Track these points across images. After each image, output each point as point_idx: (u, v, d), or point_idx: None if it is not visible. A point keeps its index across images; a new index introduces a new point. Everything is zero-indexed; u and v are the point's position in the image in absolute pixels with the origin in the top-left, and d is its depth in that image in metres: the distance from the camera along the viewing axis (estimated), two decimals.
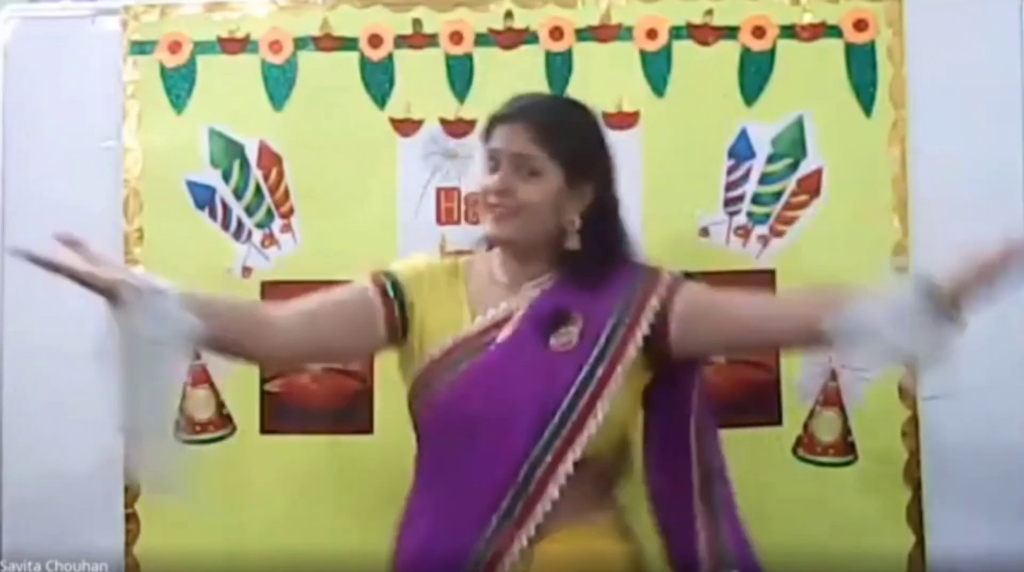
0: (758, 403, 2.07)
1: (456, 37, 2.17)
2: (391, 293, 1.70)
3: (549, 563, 1.57)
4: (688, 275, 1.72)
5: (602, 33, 2.15)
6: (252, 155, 2.17)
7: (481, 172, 1.69)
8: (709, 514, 1.65)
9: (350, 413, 2.12)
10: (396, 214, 2.15)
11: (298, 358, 1.93)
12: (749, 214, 2.12)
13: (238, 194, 2.18)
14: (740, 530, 1.68)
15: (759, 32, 2.13)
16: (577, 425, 1.58)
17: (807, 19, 2.13)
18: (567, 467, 1.57)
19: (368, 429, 2.12)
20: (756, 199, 2.12)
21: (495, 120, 1.68)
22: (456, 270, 1.74)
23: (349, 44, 2.18)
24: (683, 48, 2.14)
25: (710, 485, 1.67)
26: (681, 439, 1.68)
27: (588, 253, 1.66)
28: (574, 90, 2.11)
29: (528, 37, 2.16)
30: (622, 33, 2.15)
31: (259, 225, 2.17)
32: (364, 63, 2.18)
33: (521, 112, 1.67)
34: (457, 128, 2.15)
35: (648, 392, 1.70)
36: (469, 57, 2.16)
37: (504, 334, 1.64)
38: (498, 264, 1.71)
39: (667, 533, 1.67)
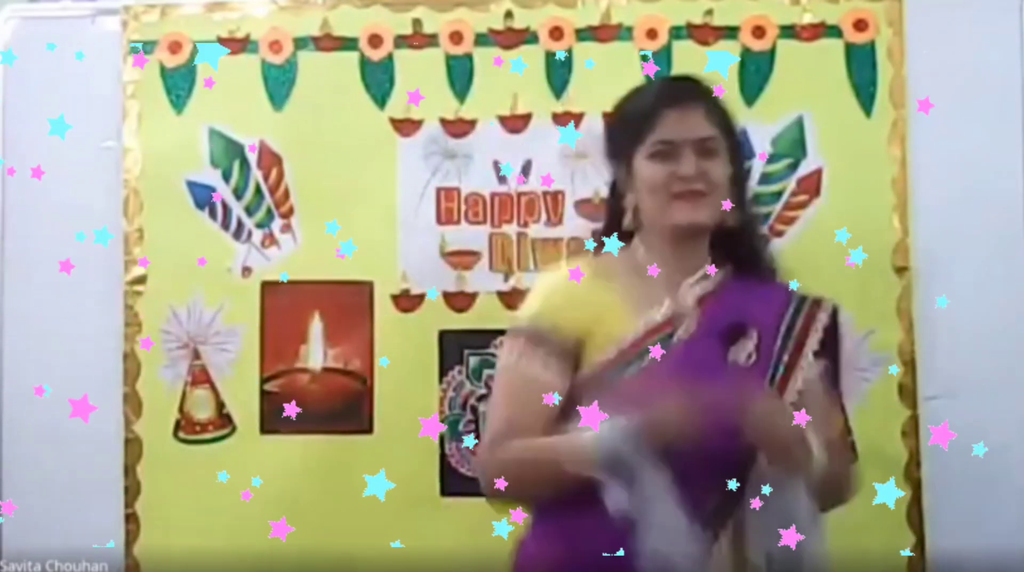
0: None
1: (456, 37, 2.17)
2: (563, 351, 1.54)
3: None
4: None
5: (602, 33, 2.15)
6: (252, 155, 2.17)
7: (647, 162, 1.55)
8: None
9: (350, 413, 2.12)
10: (396, 214, 2.15)
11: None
12: None
13: (238, 194, 2.18)
14: None
15: (759, 32, 2.13)
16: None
17: (807, 19, 2.13)
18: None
19: (368, 429, 2.12)
20: (756, 199, 2.11)
21: (658, 104, 1.58)
22: (595, 281, 1.58)
23: (349, 44, 2.18)
24: (683, 48, 2.14)
25: None
26: None
27: (744, 232, 1.62)
28: (574, 90, 2.12)
29: (528, 37, 2.16)
30: (622, 33, 2.15)
31: (259, 225, 2.17)
32: (364, 63, 2.18)
33: (688, 96, 1.60)
34: (457, 128, 2.15)
35: None
36: (469, 57, 2.16)
37: (679, 336, 1.54)
38: (647, 258, 1.59)
39: None
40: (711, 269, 1.59)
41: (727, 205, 1.58)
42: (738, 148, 1.64)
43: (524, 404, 1.52)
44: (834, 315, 1.61)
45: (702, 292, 1.58)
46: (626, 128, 1.61)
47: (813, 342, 1.57)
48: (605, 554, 1.42)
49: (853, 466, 1.53)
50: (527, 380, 1.53)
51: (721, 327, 1.54)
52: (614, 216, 1.65)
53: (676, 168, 1.54)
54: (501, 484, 1.49)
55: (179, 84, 2.19)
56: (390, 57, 2.17)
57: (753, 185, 2.10)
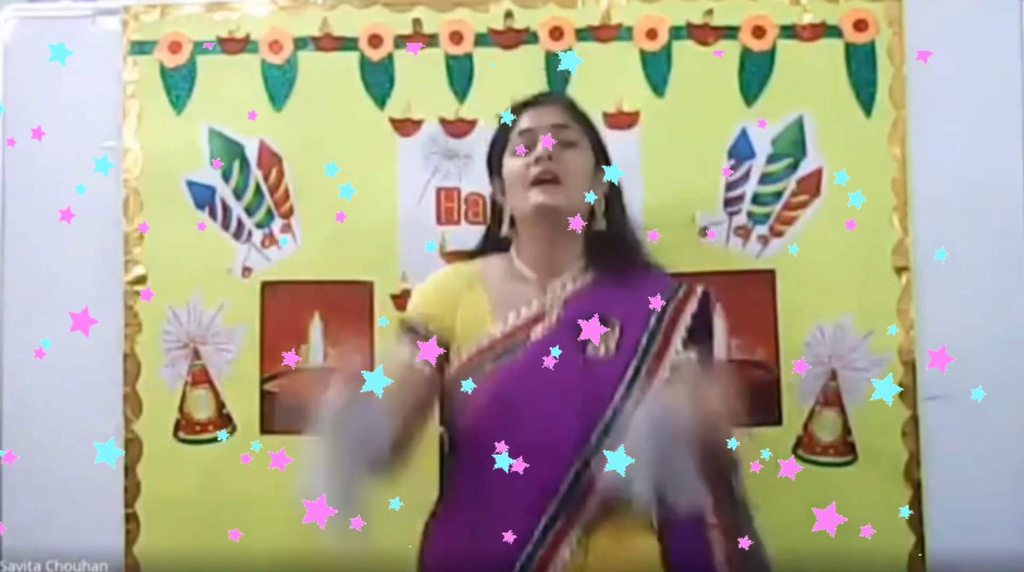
0: (758, 403, 2.07)
1: (456, 37, 2.17)
2: (427, 339, 1.66)
3: (596, 561, 1.56)
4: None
5: (602, 33, 2.15)
6: (252, 155, 2.17)
7: (511, 158, 1.72)
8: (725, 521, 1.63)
9: None
10: (396, 214, 2.15)
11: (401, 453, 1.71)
12: (749, 214, 2.12)
13: (238, 194, 2.18)
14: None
15: (759, 32, 2.13)
16: (618, 437, 1.53)
17: (807, 19, 2.13)
18: (610, 479, 1.52)
19: None
20: (756, 199, 2.12)
21: (520, 108, 1.75)
22: (472, 277, 1.74)
23: (349, 44, 2.18)
24: (683, 48, 2.14)
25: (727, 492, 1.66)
26: None
27: (614, 236, 1.72)
28: (574, 90, 2.11)
29: (528, 37, 2.16)
30: (622, 33, 2.15)
31: (259, 225, 2.17)
32: (364, 63, 2.18)
33: (546, 96, 1.80)
34: (457, 128, 2.15)
35: None
36: (469, 57, 2.16)
37: (537, 334, 1.64)
38: (520, 261, 1.72)
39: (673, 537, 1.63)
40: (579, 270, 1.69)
41: (598, 204, 1.70)
42: (604, 153, 1.75)
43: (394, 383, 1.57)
44: (704, 300, 1.68)
45: (568, 292, 1.66)
46: (495, 142, 1.77)
47: (681, 329, 1.64)
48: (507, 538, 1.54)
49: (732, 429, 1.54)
50: (398, 363, 1.65)
51: (580, 322, 1.61)
52: (493, 226, 1.79)
53: (533, 154, 1.67)
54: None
55: (179, 84, 2.19)
56: (390, 57, 2.17)
57: (753, 185, 2.12)
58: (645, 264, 1.75)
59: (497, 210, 1.79)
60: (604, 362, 1.61)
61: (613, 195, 1.75)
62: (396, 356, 1.67)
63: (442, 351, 1.66)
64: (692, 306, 1.67)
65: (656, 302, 1.65)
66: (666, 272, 1.76)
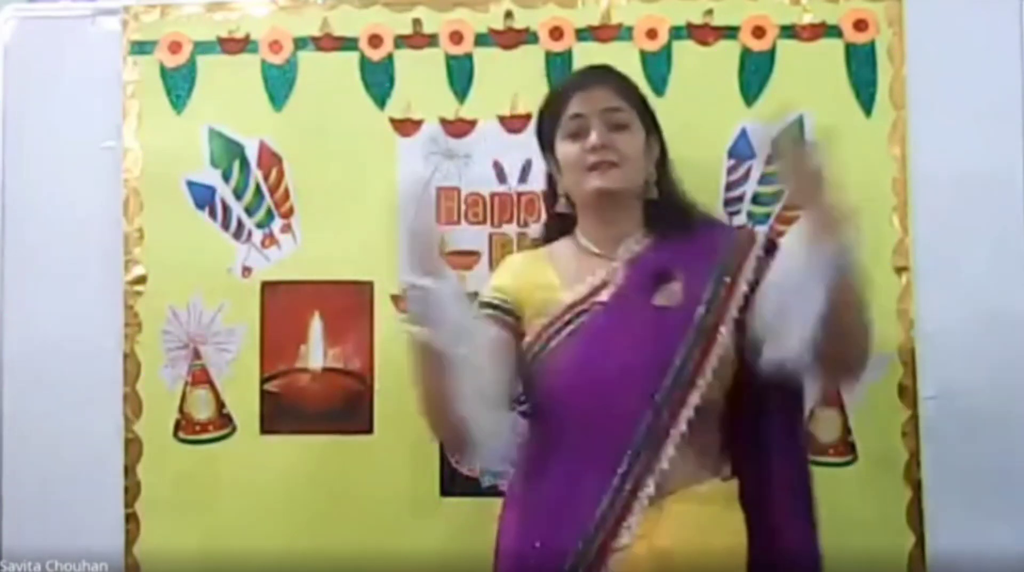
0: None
1: (456, 37, 2.17)
2: (506, 314, 1.72)
3: (672, 522, 1.57)
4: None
5: (602, 33, 2.16)
6: (252, 155, 2.18)
7: (563, 142, 1.74)
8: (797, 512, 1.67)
9: (350, 413, 2.12)
10: (396, 214, 2.14)
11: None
12: (749, 214, 2.12)
13: (238, 194, 2.18)
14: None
15: (759, 32, 2.13)
16: (690, 382, 1.60)
17: (807, 19, 2.13)
18: (684, 422, 1.58)
19: (368, 429, 2.12)
20: (756, 199, 2.12)
21: (567, 90, 1.76)
22: (539, 259, 1.79)
23: (349, 44, 2.18)
24: (683, 48, 2.14)
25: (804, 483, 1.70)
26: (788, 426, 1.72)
27: (669, 201, 1.75)
28: None
29: (528, 37, 2.16)
30: (622, 33, 2.15)
31: (259, 225, 2.17)
32: (364, 63, 2.18)
33: (593, 76, 1.78)
34: (457, 128, 2.15)
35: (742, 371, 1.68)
36: (469, 57, 2.16)
37: (606, 295, 1.68)
38: (583, 237, 1.76)
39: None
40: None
41: (651, 176, 1.74)
42: (655, 124, 1.78)
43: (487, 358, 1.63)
44: (768, 246, 1.69)
45: (629, 256, 1.71)
46: (546, 118, 1.78)
47: (747, 272, 1.66)
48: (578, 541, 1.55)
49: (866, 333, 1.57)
50: (486, 340, 1.65)
51: (644, 279, 1.66)
52: (551, 204, 1.83)
53: (586, 142, 1.70)
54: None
55: (179, 84, 2.19)
56: (390, 57, 2.17)
57: (753, 185, 2.12)
58: (703, 220, 1.79)
59: (553, 186, 1.83)
60: (672, 311, 1.64)
61: (662, 163, 1.78)
62: (482, 335, 1.66)
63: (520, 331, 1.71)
64: (757, 250, 1.69)
65: (712, 247, 1.69)
66: (726, 224, 1.80)
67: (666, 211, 1.74)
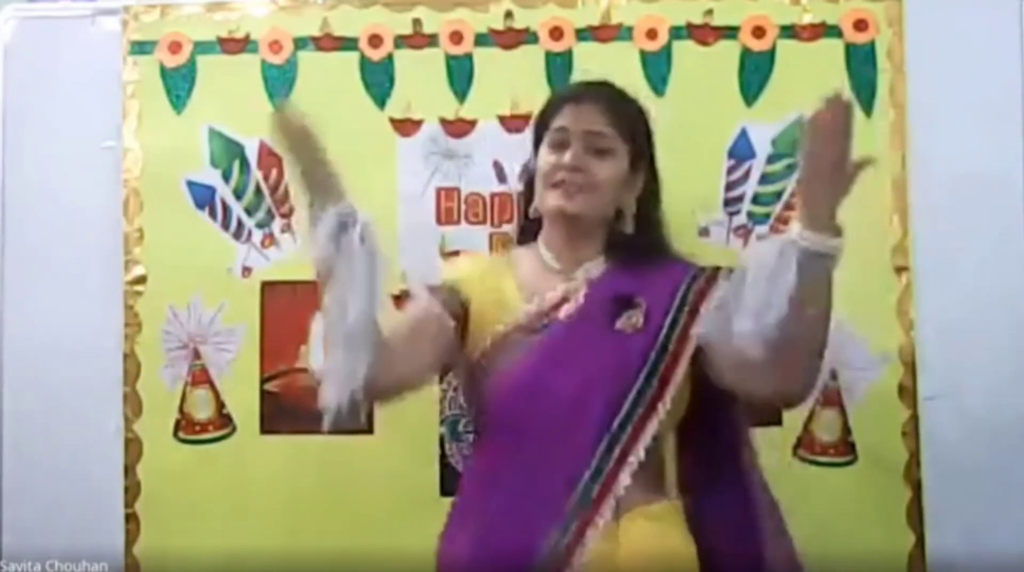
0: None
1: (456, 37, 2.17)
2: (451, 301, 1.67)
3: (627, 540, 1.56)
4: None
5: (602, 33, 2.16)
6: (252, 155, 2.17)
7: (544, 149, 1.69)
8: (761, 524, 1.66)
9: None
10: (396, 214, 2.15)
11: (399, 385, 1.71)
12: (749, 214, 2.12)
13: (238, 194, 2.18)
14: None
15: (759, 32, 2.13)
16: (651, 407, 1.57)
17: (807, 19, 2.13)
18: (643, 446, 1.56)
19: (368, 429, 2.12)
20: (756, 199, 2.12)
21: (562, 99, 1.72)
22: (504, 263, 1.75)
23: (349, 44, 2.18)
24: (683, 48, 2.14)
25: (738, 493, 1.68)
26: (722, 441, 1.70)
27: (641, 238, 1.69)
28: None
29: (528, 37, 2.16)
30: (622, 33, 2.15)
31: (259, 225, 2.17)
32: (364, 63, 2.18)
33: (591, 93, 1.72)
34: (457, 128, 2.15)
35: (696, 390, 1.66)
36: (469, 57, 2.16)
37: (566, 312, 1.65)
38: (547, 251, 1.71)
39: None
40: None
41: (628, 208, 1.68)
42: (648, 156, 1.72)
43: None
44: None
45: (592, 275, 1.67)
46: (538, 122, 1.74)
47: (710, 302, 1.61)
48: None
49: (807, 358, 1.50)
50: (418, 307, 1.66)
51: (607, 301, 1.63)
52: (526, 207, 1.77)
53: (561, 157, 1.65)
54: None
55: (179, 84, 2.19)
56: (390, 57, 2.17)
57: (753, 185, 2.12)
58: (669, 256, 1.74)
59: (531, 189, 1.76)
60: (631, 336, 1.61)
61: (647, 198, 1.72)
62: (416, 302, 1.66)
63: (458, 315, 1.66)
64: (722, 280, 1.65)
65: (676, 279, 1.65)
66: (689, 261, 1.73)
67: (632, 244, 1.69)
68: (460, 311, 1.67)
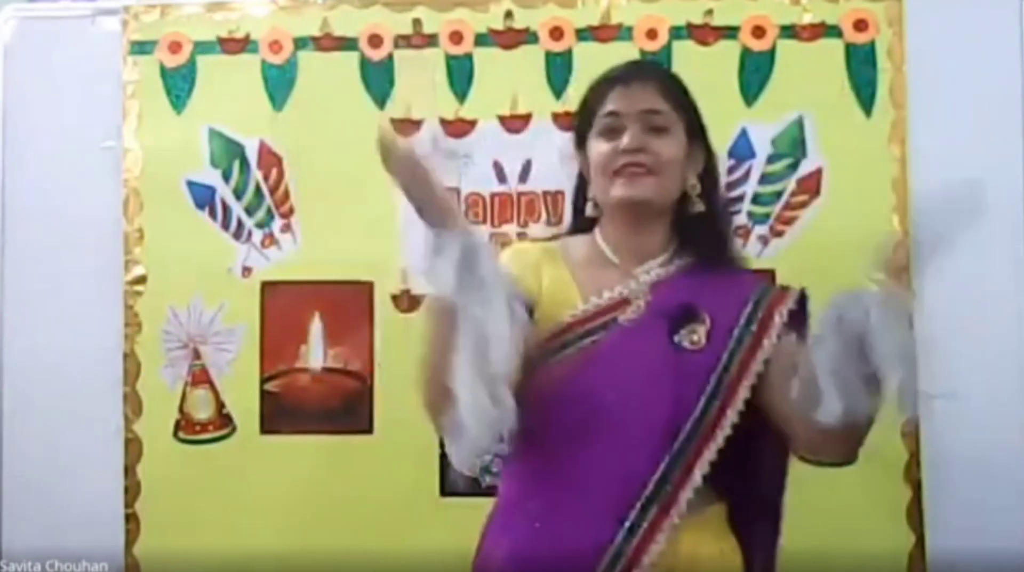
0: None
1: (456, 37, 2.17)
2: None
3: (683, 553, 1.48)
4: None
5: (602, 33, 2.16)
6: (252, 155, 2.18)
7: (595, 139, 1.56)
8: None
9: (350, 413, 2.13)
10: (396, 214, 2.15)
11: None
12: (749, 214, 2.12)
13: (238, 194, 2.18)
14: None
15: (759, 32, 2.14)
16: (710, 433, 1.49)
17: (807, 19, 2.14)
18: (698, 477, 1.48)
19: (368, 429, 2.12)
20: (756, 199, 2.12)
21: (607, 84, 1.59)
22: (553, 254, 1.61)
23: (349, 44, 2.18)
24: (683, 48, 2.14)
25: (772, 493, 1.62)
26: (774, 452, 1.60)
27: (709, 220, 1.58)
28: (574, 90, 2.11)
29: (528, 37, 2.16)
30: (622, 33, 2.15)
31: (259, 225, 2.18)
32: (364, 63, 2.18)
33: (639, 72, 1.63)
34: (457, 128, 2.15)
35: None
36: (469, 57, 2.16)
37: (627, 317, 1.53)
38: (605, 244, 1.60)
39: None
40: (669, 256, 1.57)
41: (693, 188, 1.56)
42: (702, 131, 1.61)
43: None
44: (801, 301, 1.56)
45: (655, 278, 1.55)
46: (582, 112, 1.62)
47: (777, 325, 1.52)
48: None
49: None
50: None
51: (670, 311, 1.52)
52: (580, 207, 1.65)
53: (619, 142, 1.53)
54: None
55: (179, 84, 2.19)
56: (390, 57, 2.17)
57: (753, 185, 2.12)
58: (732, 259, 1.63)
59: (583, 187, 1.64)
60: (694, 352, 1.51)
61: (708, 175, 1.61)
62: (500, 301, 1.42)
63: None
64: (789, 303, 1.55)
65: (750, 299, 1.54)
66: (754, 270, 1.65)
67: (701, 233, 1.58)
68: (529, 310, 1.48)
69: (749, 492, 1.60)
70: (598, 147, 1.56)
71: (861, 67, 2.12)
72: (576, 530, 1.47)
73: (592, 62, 2.12)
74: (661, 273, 1.57)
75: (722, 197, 1.66)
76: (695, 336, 1.52)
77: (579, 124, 1.63)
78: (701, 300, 1.54)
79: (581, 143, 1.62)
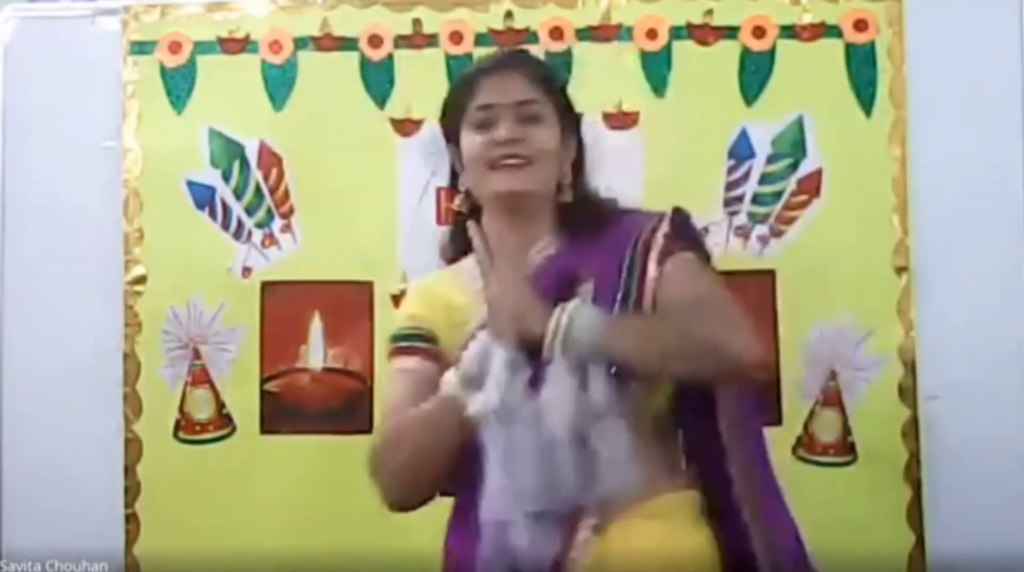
0: (758, 403, 2.07)
1: (456, 37, 2.17)
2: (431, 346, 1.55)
3: (619, 544, 1.43)
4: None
5: (602, 33, 2.16)
6: (252, 155, 2.18)
7: (468, 134, 1.54)
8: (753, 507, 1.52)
9: (350, 413, 2.12)
10: (396, 214, 2.15)
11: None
12: (749, 214, 2.12)
13: (238, 194, 2.18)
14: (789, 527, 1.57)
15: (759, 32, 2.13)
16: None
17: (807, 19, 2.13)
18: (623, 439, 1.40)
19: (368, 429, 2.11)
20: (756, 199, 2.12)
21: (476, 76, 1.57)
22: (443, 276, 1.64)
23: (349, 44, 2.18)
24: (683, 48, 2.14)
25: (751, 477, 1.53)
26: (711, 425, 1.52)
27: (583, 205, 1.57)
28: (574, 90, 2.10)
29: (528, 37, 2.16)
30: (622, 33, 2.15)
31: (259, 225, 2.17)
32: (364, 63, 2.18)
33: (507, 62, 1.60)
34: None
35: None
36: (469, 57, 2.16)
37: None
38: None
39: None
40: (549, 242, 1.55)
41: (564, 177, 1.55)
42: (573, 120, 1.59)
43: (404, 396, 1.53)
44: (675, 217, 1.53)
45: (534, 266, 1.52)
46: (452, 105, 1.60)
47: (654, 253, 1.50)
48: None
49: (733, 329, 1.40)
50: (403, 374, 1.55)
51: (554, 287, 1.47)
52: (451, 202, 1.64)
53: (494, 134, 1.51)
54: (393, 463, 1.56)
55: (179, 84, 2.19)
56: (390, 57, 2.17)
57: (753, 185, 2.12)
58: (619, 213, 1.59)
59: (455, 180, 1.63)
60: None
61: (579, 165, 1.59)
62: (401, 374, 1.55)
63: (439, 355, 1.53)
64: (663, 227, 1.51)
65: (621, 240, 1.52)
66: (640, 211, 1.60)
67: (578, 213, 1.56)
68: (437, 348, 1.54)
69: (719, 477, 1.51)
70: (472, 140, 1.54)
71: (861, 67, 2.12)
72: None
73: (592, 62, 2.14)
74: (539, 259, 1.54)
75: (589, 185, 1.61)
76: (584, 298, 1.46)
77: (449, 118, 1.61)
78: (581, 264, 1.50)
79: (451, 135, 1.60)
